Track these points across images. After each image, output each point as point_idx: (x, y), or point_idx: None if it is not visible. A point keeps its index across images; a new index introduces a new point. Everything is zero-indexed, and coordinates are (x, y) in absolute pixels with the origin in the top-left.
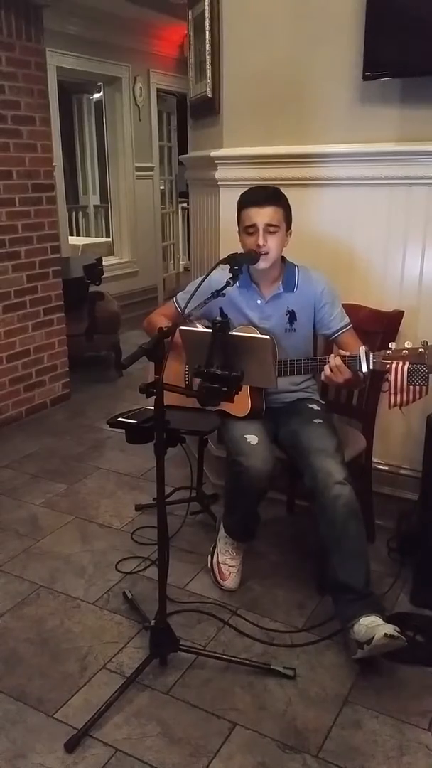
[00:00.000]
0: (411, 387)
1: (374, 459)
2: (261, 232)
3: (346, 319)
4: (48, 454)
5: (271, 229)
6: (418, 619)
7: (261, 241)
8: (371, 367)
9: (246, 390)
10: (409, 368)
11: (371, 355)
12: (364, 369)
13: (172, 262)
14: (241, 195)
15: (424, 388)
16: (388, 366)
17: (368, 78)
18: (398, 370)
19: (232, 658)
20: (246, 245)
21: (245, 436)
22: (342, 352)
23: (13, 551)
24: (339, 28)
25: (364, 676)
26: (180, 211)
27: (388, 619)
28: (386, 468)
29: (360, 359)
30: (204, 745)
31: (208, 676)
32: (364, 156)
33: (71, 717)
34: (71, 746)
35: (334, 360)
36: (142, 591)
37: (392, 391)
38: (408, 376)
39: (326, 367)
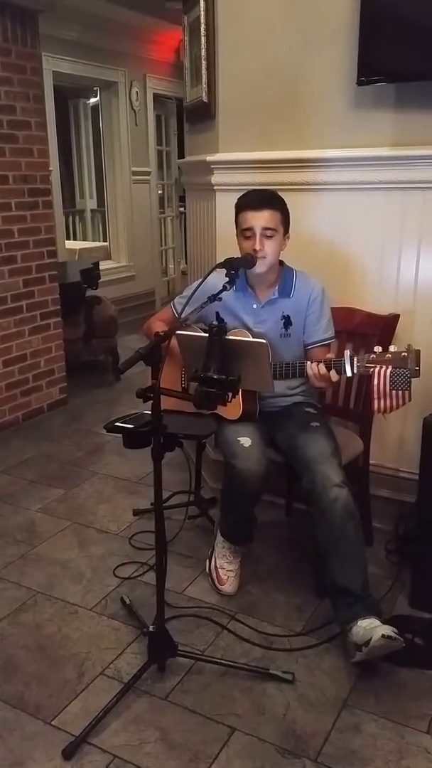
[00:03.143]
0: (394, 392)
1: (371, 461)
2: (258, 236)
3: (329, 333)
4: (45, 459)
5: (268, 233)
6: (417, 622)
7: (258, 246)
8: (355, 371)
9: (238, 393)
10: (391, 372)
11: (355, 359)
12: (348, 373)
13: (172, 265)
14: (239, 198)
15: (407, 393)
16: (371, 370)
17: (362, 83)
18: (381, 375)
19: (231, 663)
20: (243, 249)
21: (238, 438)
22: (328, 356)
23: (11, 557)
24: (333, 34)
25: (363, 680)
26: (179, 215)
27: (386, 622)
28: (384, 470)
29: (344, 363)
30: (203, 751)
31: (207, 681)
32: (359, 161)
33: (69, 724)
34: (69, 753)
35: (318, 368)
36: (140, 596)
37: (375, 396)
38: (390, 381)
39: (312, 377)
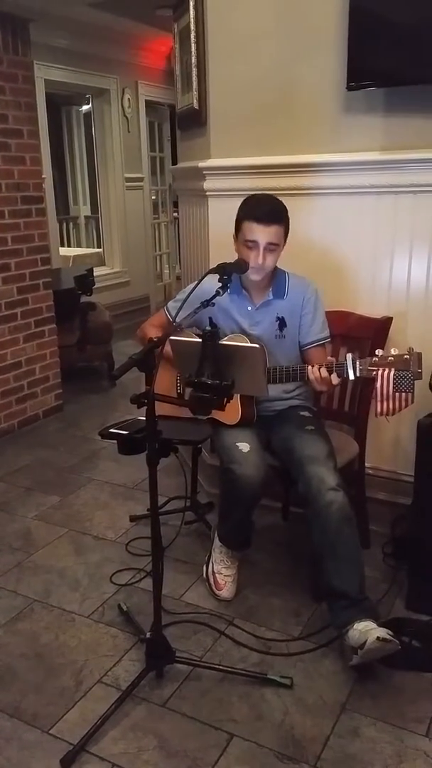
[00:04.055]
0: (397, 394)
1: (367, 464)
2: (261, 250)
3: (325, 333)
4: (41, 466)
5: (272, 247)
6: (414, 625)
7: (260, 260)
8: (358, 374)
9: (236, 398)
10: (395, 375)
11: (358, 362)
12: (351, 376)
13: (167, 271)
14: (247, 205)
15: (410, 395)
16: (374, 373)
17: (352, 88)
18: (384, 377)
19: (229, 669)
20: (242, 256)
21: (237, 443)
22: (330, 358)
23: (7, 565)
24: (323, 39)
25: (361, 683)
26: (174, 220)
27: (382, 625)
28: (379, 473)
29: (347, 366)
30: (202, 758)
31: (205, 688)
32: (350, 165)
33: (67, 732)
34: (67, 762)
35: (320, 372)
36: (137, 603)
37: (379, 398)
38: (394, 383)
39: (313, 381)
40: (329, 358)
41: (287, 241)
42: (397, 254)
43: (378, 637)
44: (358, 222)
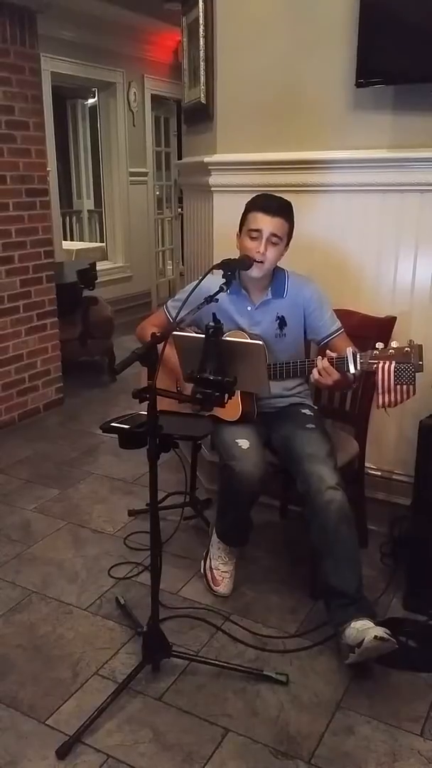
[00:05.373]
0: (398, 386)
1: (367, 464)
2: (264, 240)
3: (337, 324)
4: (41, 459)
5: (274, 239)
6: (411, 624)
7: (262, 249)
8: (358, 367)
9: (237, 394)
10: (395, 367)
11: (358, 356)
12: (352, 370)
13: (170, 267)
14: (254, 198)
15: (411, 387)
16: (375, 366)
17: (361, 85)
18: (385, 370)
19: (225, 664)
20: (245, 248)
21: (236, 440)
22: (330, 353)
23: (6, 557)
24: (332, 35)
25: (356, 682)
26: (178, 216)
27: (380, 624)
28: (379, 473)
29: (347, 360)
30: (196, 751)
31: (201, 682)
32: (357, 162)
33: (63, 723)
34: (63, 753)
35: (322, 362)
36: (134, 596)
37: (380, 391)
38: (395, 376)
39: (314, 370)
40: (329, 353)
41: (291, 242)
42: (402, 254)
43: (375, 636)
44: (363, 220)
